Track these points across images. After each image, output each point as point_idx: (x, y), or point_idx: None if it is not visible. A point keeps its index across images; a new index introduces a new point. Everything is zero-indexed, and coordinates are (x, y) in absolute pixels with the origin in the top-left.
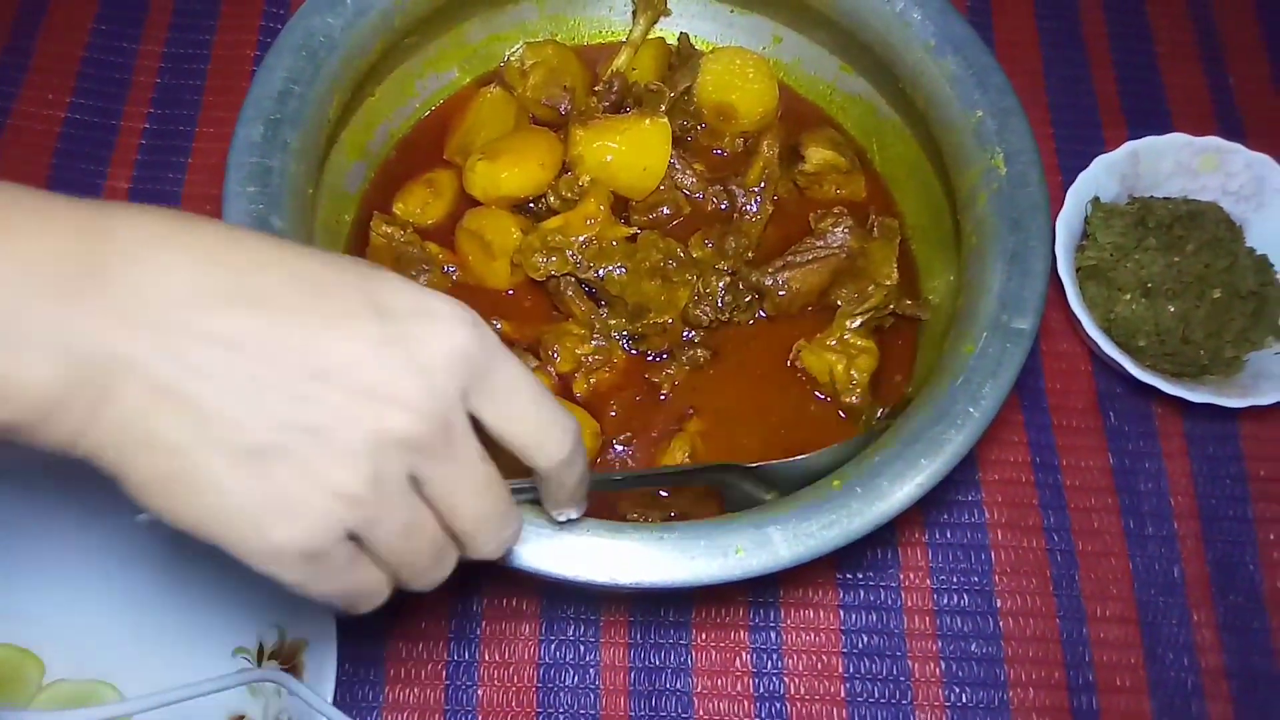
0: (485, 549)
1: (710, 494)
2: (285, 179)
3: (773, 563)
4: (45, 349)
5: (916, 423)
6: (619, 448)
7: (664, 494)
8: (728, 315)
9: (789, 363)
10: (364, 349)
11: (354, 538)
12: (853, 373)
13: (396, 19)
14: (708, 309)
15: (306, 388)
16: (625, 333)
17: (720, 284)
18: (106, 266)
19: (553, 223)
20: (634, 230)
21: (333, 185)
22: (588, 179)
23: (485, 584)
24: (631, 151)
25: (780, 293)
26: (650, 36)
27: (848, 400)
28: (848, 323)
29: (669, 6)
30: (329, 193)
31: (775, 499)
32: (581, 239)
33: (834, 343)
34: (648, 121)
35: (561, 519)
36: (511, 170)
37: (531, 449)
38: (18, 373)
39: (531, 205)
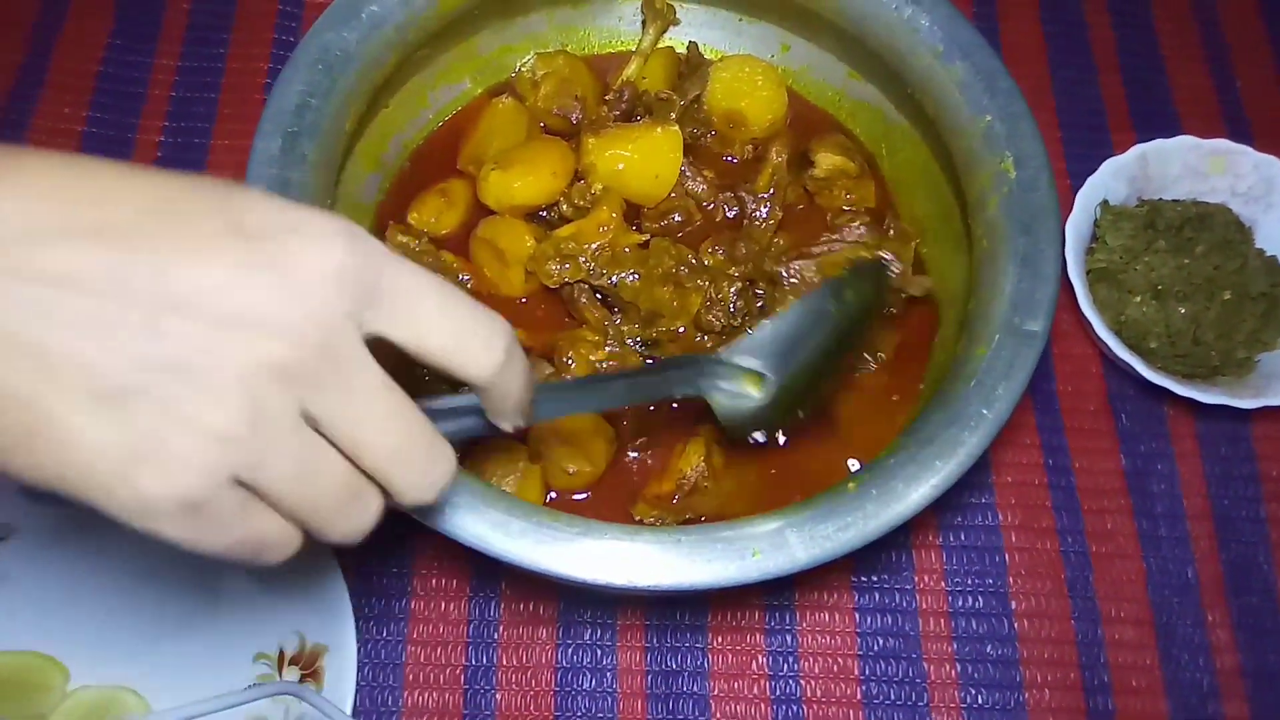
0: (409, 490)
1: (731, 499)
2: (304, 191)
3: (790, 565)
4: None
5: (931, 425)
6: (634, 454)
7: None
8: (739, 320)
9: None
10: (226, 274)
11: (242, 484)
12: None
13: (410, 32)
14: (720, 314)
15: (162, 321)
16: (639, 339)
17: (732, 289)
18: None
19: (566, 230)
20: (646, 237)
21: (348, 196)
22: (600, 187)
23: (503, 589)
24: (643, 159)
25: (792, 279)
26: (659, 45)
27: None
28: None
29: (677, 16)
30: (345, 203)
31: (765, 395)
32: (594, 246)
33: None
34: (659, 129)
35: (509, 429)
36: (524, 179)
37: (456, 360)
38: None
39: (544, 214)
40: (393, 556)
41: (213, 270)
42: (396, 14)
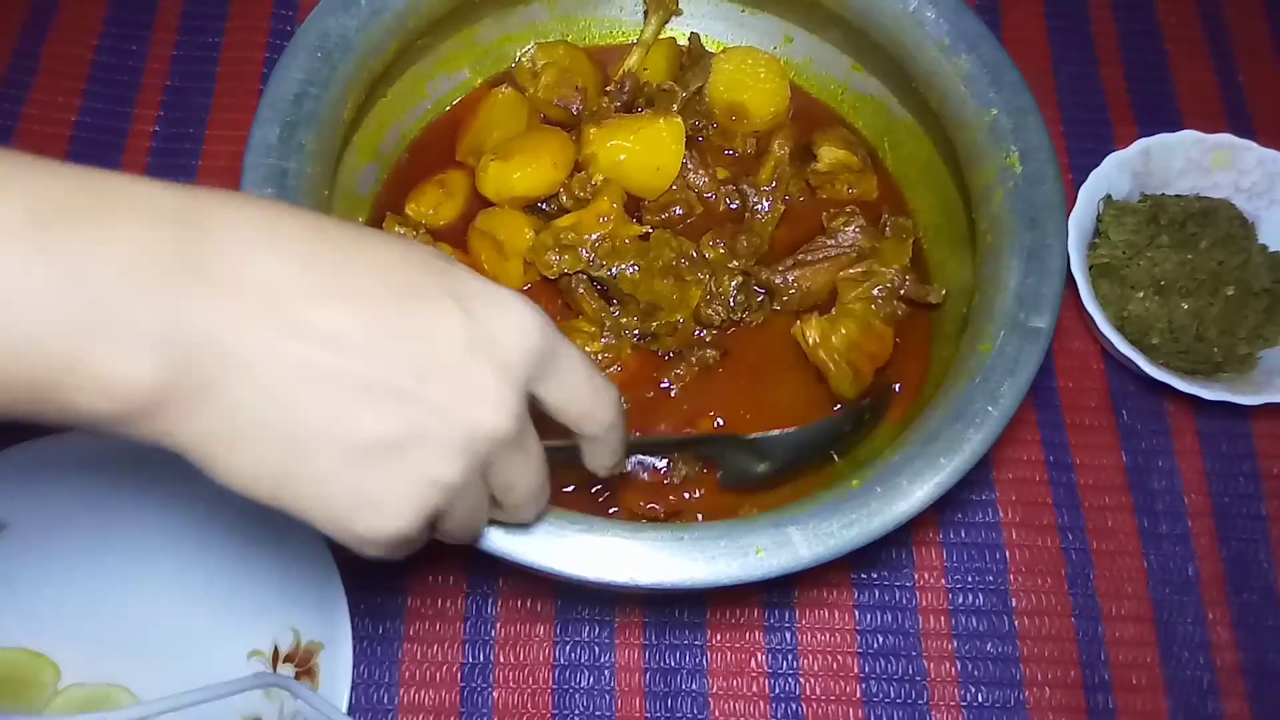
0: (527, 519)
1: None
2: (301, 181)
3: (793, 563)
4: (148, 342)
5: (935, 421)
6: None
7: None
8: (740, 315)
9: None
10: (455, 347)
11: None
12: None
13: (410, 20)
14: (719, 308)
15: (409, 386)
16: (636, 331)
17: (732, 283)
18: (202, 259)
19: (565, 220)
20: (646, 229)
21: (345, 187)
22: (600, 178)
23: (500, 586)
24: (645, 151)
25: (790, 291)
26: (661, 36)
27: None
28: (850, 298)
29: (680, 6)
30: (342, 194)
31: (766, 470)
32: (594, 237)
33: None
34: (661, 120)
35: (604, 473)
36: (524, 170)
37: (585, 421)
38: (121, 366)
39: (544, 206)
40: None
41: (446, 343)
42: (397, 0)
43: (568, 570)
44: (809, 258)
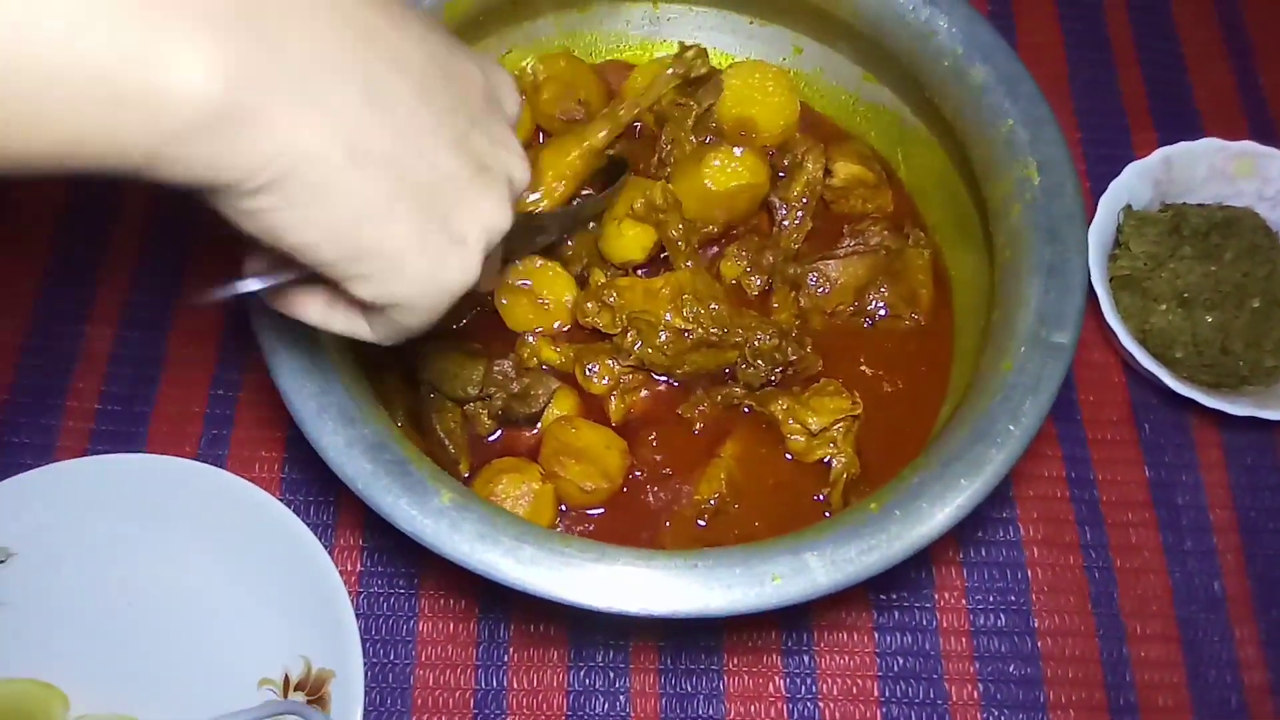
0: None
1: (760, 516)
2: None
3: (811, 590)
4: (199, 60)
5: (956, 442)
6: (655, 487)
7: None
8: (777, 376)
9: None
10: (490, 107)
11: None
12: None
13: None
14: (758, 369)
15: (466, 131)
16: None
17: (770, 342)
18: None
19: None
20: (681, 326)
21: None
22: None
23: (513, 610)
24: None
25: (820, 289)
26: (668, 52)
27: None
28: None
29: (692, 26)
30: None
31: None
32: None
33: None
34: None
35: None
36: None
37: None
38: (177, 75)
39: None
40: (400, 575)
41: (484, 104)
42: None
43: (580, 600)
44: (839, 251)
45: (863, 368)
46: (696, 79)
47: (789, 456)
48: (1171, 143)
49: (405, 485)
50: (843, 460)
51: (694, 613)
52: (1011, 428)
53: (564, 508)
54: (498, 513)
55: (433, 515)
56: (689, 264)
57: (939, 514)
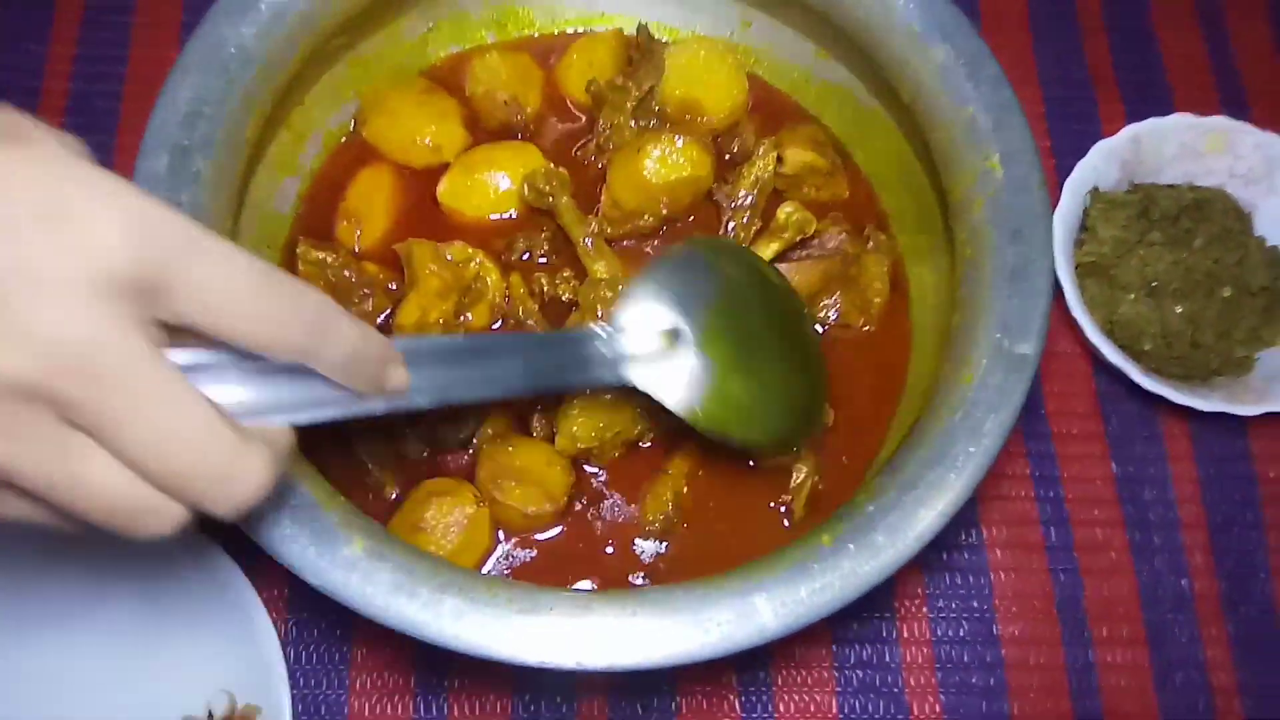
0: (205, 502)
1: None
2: (198, 214)
3: (759, 635)
4: None
5: (913, 465)
6: (606, 504)
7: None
8: None
9: None
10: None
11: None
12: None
13: (320, 21)
14: None
15: None
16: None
17: None
18: None
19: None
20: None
21: (260, 205)
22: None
23: (452, 675)
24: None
25: None
26: (608, 27)
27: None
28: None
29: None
30: (258, 216)
31: (687, 348)
32: None
33: None
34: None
35: (380, 407)
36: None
37: (266, 347)
38: None
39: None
40: (329, 608)
41: None
42: (301, 1)
43: (510, 656)
44: (793, 254)
45: None
46: (634, 56)
47: (750, 463)
48: (1140, 115)
49: (313, 533)
50: (804, 470)
51: (633, 666)
52: (971, 449)
53: (501, 535)
54: (417, 559)
55: (343, 567)
56: (589, 240)
57: (895, 546)
